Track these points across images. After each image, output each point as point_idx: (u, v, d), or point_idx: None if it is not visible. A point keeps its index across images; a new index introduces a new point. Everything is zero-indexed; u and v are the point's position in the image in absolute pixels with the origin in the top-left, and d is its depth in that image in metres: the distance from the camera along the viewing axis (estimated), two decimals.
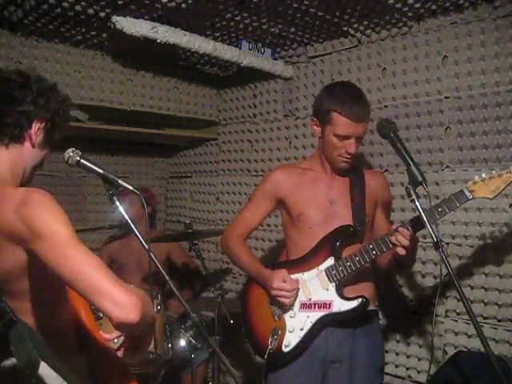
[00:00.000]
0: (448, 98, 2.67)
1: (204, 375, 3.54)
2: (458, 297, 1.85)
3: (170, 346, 2.93)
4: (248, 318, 2.33)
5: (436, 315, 2.56)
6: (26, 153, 1.51)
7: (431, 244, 2.63)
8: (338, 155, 2.14)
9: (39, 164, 1.59)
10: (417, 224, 1.99)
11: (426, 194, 1.81)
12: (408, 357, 2.78)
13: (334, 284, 2.11)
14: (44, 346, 1.23)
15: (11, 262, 1.37)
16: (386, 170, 2.94)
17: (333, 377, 2.14)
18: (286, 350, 2.12)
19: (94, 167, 1.56)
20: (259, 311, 2.26)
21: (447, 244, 2.64)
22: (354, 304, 2.08)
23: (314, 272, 2.15)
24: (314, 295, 2.13)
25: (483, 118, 2.53)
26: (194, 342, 3.03)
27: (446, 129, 2.68)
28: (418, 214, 1.77)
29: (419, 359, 2.73)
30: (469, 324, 2.52)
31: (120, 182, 1.57)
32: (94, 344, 1.62)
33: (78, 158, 1.56)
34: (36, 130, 1.51)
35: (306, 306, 2.13)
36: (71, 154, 1.55)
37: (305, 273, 2.17)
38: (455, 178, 2.62)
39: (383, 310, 2.91)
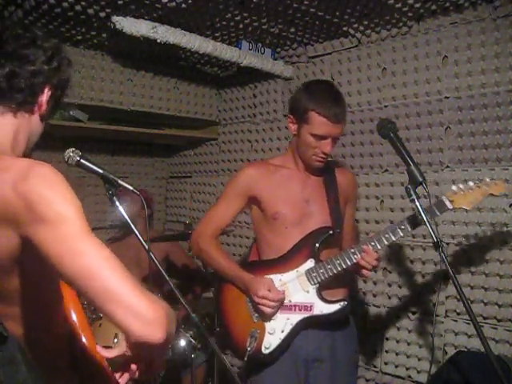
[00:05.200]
0: (448, 98, 2.67)
1: (204, 375, 3.53)
2: (458, 297, 1.85)
3: (169, 346, 2.93)
4: (224, 317, 2.25)
5: (436, 315, 2.56)
6: (33, 123, 1.26)
7: (431, 244, 2.63)
8: (313, 154, 2.09)
9: (38, 138, 1.32)
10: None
11: (425, 194, 1.82)
12: (408, 357, 2.78)
13: (314, 286, 2.07)
14: (36, 371, 1.02)
15: (1, 250, 1.08)
16: (386, 170, 2.94)
17: (315, 376, 2.12)
18: (266, 351, 2.08)
19: (93, 167, 1.56)
20: (236, 311, 2.19)
21: (447, 244, 2.64)
22: (335, 307, 2.06)
23: (293, 273, 2.10)
24: (294, 297, 2.09)
25: (483, 118, 2.53)
26: (193, 342, 3.03)
27: (446, 129, 2.68)
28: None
29: (419, 359, 2.73)
30: (469, 324, 2.51)
31: (120, 181, 1.56)
32: (89, 362, 1.33)
33: (78, 158, 1.55)
34: (48, 97, 1.26)
35: (287, 308, 2.09)
36: (71, 154, 1.54)
37: (284, 274, 2.11)
38: (455, 178, 2.61)
39: (383, 310, 2.92)
